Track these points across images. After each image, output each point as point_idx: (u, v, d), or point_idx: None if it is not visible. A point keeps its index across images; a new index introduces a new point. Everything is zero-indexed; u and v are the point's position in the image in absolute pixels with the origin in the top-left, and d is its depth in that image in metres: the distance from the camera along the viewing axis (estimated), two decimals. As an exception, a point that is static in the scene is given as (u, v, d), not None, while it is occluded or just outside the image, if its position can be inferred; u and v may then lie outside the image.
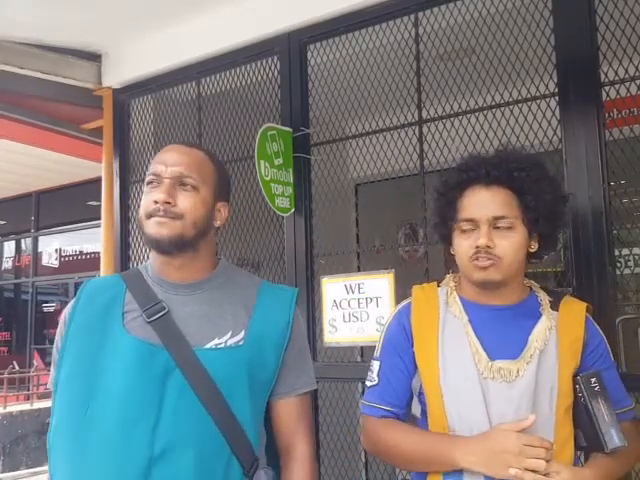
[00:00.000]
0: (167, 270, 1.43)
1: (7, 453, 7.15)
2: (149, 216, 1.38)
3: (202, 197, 1.42)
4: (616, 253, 2.14)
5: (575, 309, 1.54)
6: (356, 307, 2.60)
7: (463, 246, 1.49)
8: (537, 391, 1.43)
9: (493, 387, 1.44)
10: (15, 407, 7.67)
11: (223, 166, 1.55)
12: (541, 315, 1.51)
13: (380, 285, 2.55)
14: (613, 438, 1.41)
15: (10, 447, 7.19)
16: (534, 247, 1.53)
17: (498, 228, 1.45)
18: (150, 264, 1.48)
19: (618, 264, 2.21)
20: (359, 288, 2.60)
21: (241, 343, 1.38)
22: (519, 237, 1.47)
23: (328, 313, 2.68)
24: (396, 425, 1.54)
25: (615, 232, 2.12)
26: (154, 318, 1.37)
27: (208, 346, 1.36)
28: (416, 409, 1.56)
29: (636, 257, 3.04)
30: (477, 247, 1.45)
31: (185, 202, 1.39)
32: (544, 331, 1.48)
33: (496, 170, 1.48)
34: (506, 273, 1.46)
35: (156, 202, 1.37)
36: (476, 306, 1.53)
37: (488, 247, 1.44)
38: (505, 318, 1.51)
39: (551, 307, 1.53)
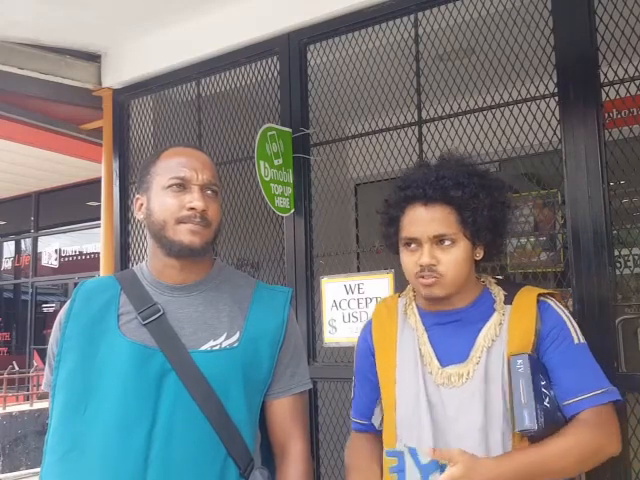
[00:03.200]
0: (169, 272, 1.43)
1: (7, 453, 7.15)
2: (180, 221, 1.38)
3: (219, 201, 1.45)
4: (616, 253, 2.14)
5: (527, 299, 1.50)
6: (356, 307, 2.60)
7: (408, 263, 1.52)
8: (488, 388, 1.44)
9: (445, 393, 1.46)
10: (15, 407, 7.67)
11: None
12: (494, 312, 1.51)
13: (380, 285, 2.55)
14: (523, 418, 1.37)
15: (10, 447, 7.19)
16: (479, 255, 1.54)
17: (440, 244, 1.47)
18: (146, 265, 1.48)
19: (618, 264, 2.21)
20: (359, 288, 2.60)
21: (236, 345, 1.38)
22: (461, 251, 1.48)
23: (328, 313, 2.67)
24: (358, 449, 1.62)
25: (615, 232, 2.12)
26: (149, 320, 1.37)
27: (203, 348, 1.37)
28: (376, 420, 1.61)
29: (636, 257, 3.04)
30: (421, 265, 1.47)
31: (213, 209, 1.42)
32: (493, 328, 1.48)
33: (432, 189, 1.49)
34: (451, 287, 1.49)
35: (192, 209, 1.37)
36: (430, 314, 1.56)
37: (431, 265, 1.46)
38: (459, 322, 1.52)
39: (505, 301, 1.52)
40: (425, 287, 1.49)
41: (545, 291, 1.54)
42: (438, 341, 1.52)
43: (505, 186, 1.57)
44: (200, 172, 1.41)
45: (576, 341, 1.47)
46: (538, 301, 1.50)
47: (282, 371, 1.44)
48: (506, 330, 1.47)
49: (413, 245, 1.50)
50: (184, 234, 1.37)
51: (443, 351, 1.50)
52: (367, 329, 1.66)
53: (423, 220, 1.49)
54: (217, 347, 1.37)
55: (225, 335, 1.39)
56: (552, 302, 1.53)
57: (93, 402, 1.32)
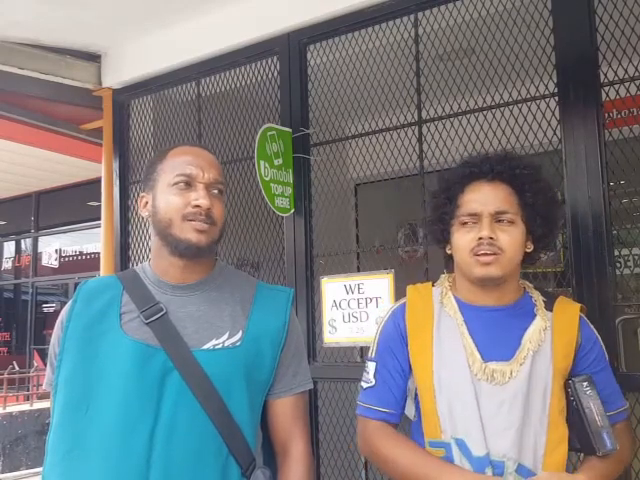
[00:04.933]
0: (172, 272, 1.43)
1: (7, 454, 7.15)
2: (185, 218, 1.38)
3: (224, 202, 1.45)
4: (616, 253, 2.14)
5: (569, 310, 1.54)
6: (356, 307, 2.60)
7: (464, 239, 1.49)
8: (530, 392, 1.44)
9: (486, 388, 1.45)
10: (15, 407, 7.67)
11: None
12: (535, 316, 1.51)
13: (380, 285, 2.55)
14: (605, 442, 1.42)
15: (10, 447, 7.19)
16: (530, 247, 1.54)
17: (499, 222, 1.47)
18: (149, 265, 1.48)
19: (618, 264, 2.21)
20: (359, 288, 2.60)
21: (238, 344, 1.38)
22: (519, 233, 1.49)
23: (328, 313, 2.67)
24: (393, 436, 1.54)
25: (615, 232, 2.12)
26: (152, 319, 1.37)
27: (206, 347, 1.36)
28: (410, 411, 1.57)
29: (636, 257, 3.04)
30: (480, 239, 1.45)
31: (218, 208, 1.42)
32: (538, 332, 1.48)
33: (500, 166, 1.51)
34: (506, 269, 1.47)
35: (198, 206, 1.37)
36: (470, 307, 1.54)
37: (491, 239, 1.44)
38: (500, 319, 1.51)
39: (545, 307, 1.53)
40: (482, 265, 1.46)
41: (583, 306, 1.59)
42: (477, 335, 1.50)
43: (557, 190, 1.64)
44: (206, 171, 1.42)
45: (606, 358, 1.55)
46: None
47: (284, 371, 1.45)
48: (550, 337, 1.49)
49: (471, 223, 1.49)
50: (191, 232, 1.38)
51: (483, 346, 1.49)
52: (398, 314, 1.60)
53: (487, 196, 1.49)
54: (220, 346, 1.37)
55: (227, 334, 1.39)
56: (585, 318, 1.56)
57: (95, 401, 1.32)
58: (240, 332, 1.40)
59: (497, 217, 1.47)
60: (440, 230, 1.58)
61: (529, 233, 1.52)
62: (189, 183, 1.40)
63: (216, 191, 1.43)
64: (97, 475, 1.28)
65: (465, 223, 1.50)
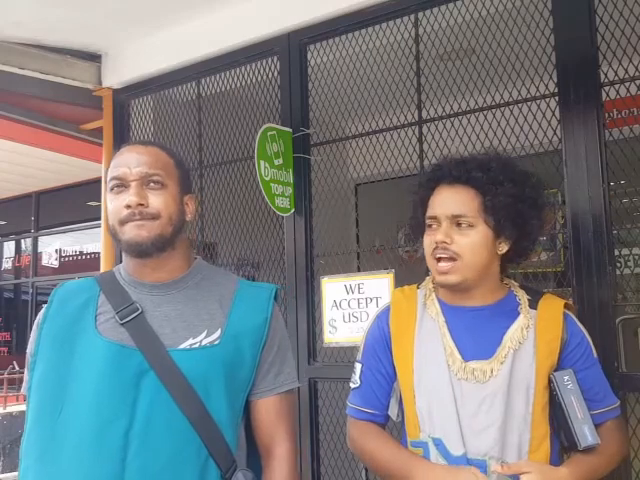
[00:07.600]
0: (143, 272, 1.41)
1: (7, 453, 7.15)
2: (123, 222, 1.36)
3: (171, 193, 1.40)
4: (616, 253, 2.14)
5: (553, 306, 1.53)
6: (356, 307, 2.60)
7: (426, 242, 1.53)
8: (511, 390, 1.44)
9: (467, 388, 1.46)
10: (15, 407, 7.67)
11: (181, 158, 1.51)
12: (519, 314, 1.51)
13: (380, 285, 2.55)
14: (586, 436, 1.42)
15: (10, 447, 7.19)
16: (502, 249, 1.52)
17: (459, 226, 1.47)
18: (123, 267, 1.46)
19: (618, 264, 2.21)
20: (359, 288, 2.60)
21: (216, 342, 1.35)
22: (479, 237, 1.47)
23: (328, 313, 2.67)
24: (375, 435, 1.57)
25: (615, 232, 2.12)
26: (127, 319, 1.34)
27: (182, 346, 1.34)
28: (392, 411, 1.59)
29: (636, 257, 3.04)
30: (435, 243, 1.48)
31: (157, 201, 1.37)
32: (520, 330, 1.48)
33: (456, 169, 1.51)
34: (467, 274, 1.47)
35: (129, 206, 1.34)
36: (453, 308, 1.55)
37: (445, 243, 1.46)
38: (481, 319, 1.51)
39: (529, 305, 1.53)
40: (440, 273, 1.48)
41: (568, 302, 1.57)
42: (459, 335, 1.51)
43: (543, 189, 1.59)
44: (133, 166, 1.37)
45: (595, 356, 1.54)
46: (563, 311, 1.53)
47: (266, 370, 1.41)
48: (533, 335, 1.48)
49: (434, 225, 1.50)
50: (129, 231, 1.35)
51: (465, 346, 1.49)
52: (383, 317, 1.62)
53: (445, 199, 1.50)
54: (197, 345, 1.34)
55: (205, 333, 1.36)
56: (572, 315, 1.56)
57: (69, 403, 1.29)
58: (219, 330, 1.36)
59: (456, 221, 1.47)
60: (418, 231, 1.61)
61: (498, 235, 1.50)
62: (123, 185, 1.37)
63: (153, 184, 1.37)
64: (71, 478, 1.25)
65: (430, 225, 1.52)
